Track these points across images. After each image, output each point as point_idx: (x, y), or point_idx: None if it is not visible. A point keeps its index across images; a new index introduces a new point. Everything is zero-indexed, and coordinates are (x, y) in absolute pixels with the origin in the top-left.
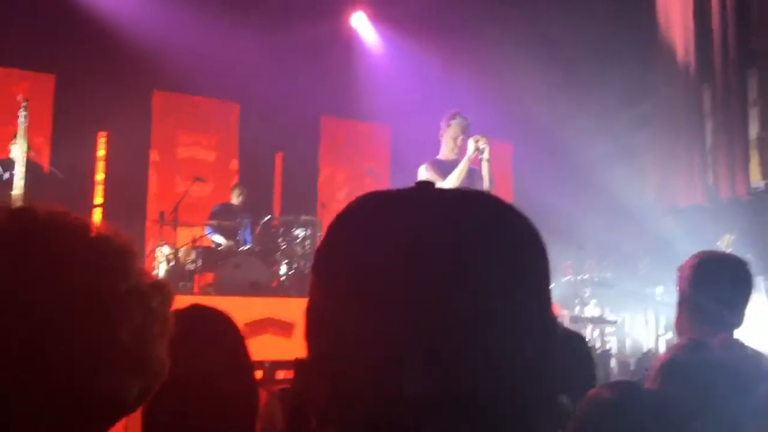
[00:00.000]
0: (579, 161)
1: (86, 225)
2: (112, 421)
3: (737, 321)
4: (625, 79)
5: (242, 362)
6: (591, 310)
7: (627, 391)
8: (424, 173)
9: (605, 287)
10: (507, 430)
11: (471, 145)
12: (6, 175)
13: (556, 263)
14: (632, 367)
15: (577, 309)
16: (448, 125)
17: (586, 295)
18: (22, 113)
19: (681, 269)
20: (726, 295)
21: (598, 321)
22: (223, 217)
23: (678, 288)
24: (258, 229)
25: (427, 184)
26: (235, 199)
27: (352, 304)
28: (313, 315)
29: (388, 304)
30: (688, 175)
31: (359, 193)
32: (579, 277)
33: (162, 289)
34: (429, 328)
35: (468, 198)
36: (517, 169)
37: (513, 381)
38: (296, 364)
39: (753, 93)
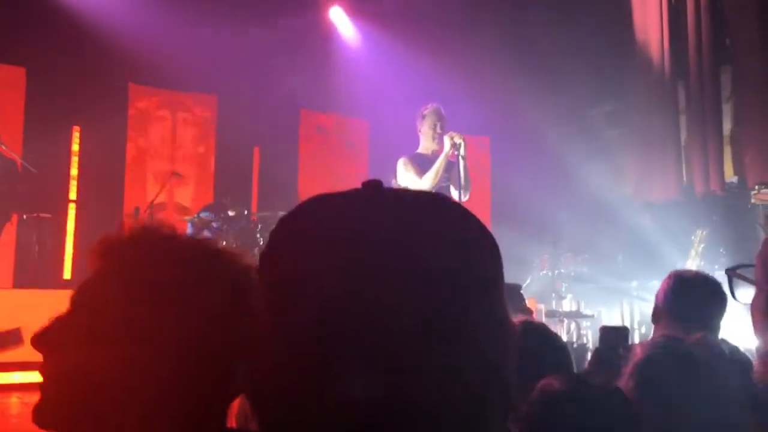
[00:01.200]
0: (556, 156)
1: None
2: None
3: (711, 329)
4: (599, 76)
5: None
6: (567, 305)
7: (575, 382)
8: (402, 167)
9: (581, 282)
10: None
11: (447, 141)
12: None
13: (532, 258)
14: None
15: (553, 303)
16: (423, 116)
17: (563, 289)
18: None
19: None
20: (698, 310)
21: (575, 315)
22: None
23: (654, 305)
24: (235, 224)
25: (375, 184)
26: (231, 211)
27: (290, 309)
28: (259, 319)
29: (326, 307)
30: (663, 171)
31: (338, 187)
32: (555, 272)
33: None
34: (370, 331)
35: (415, 198)
36: (495, 164)
37: (461, 382)
38: (247, 372)
39: (727, 89)
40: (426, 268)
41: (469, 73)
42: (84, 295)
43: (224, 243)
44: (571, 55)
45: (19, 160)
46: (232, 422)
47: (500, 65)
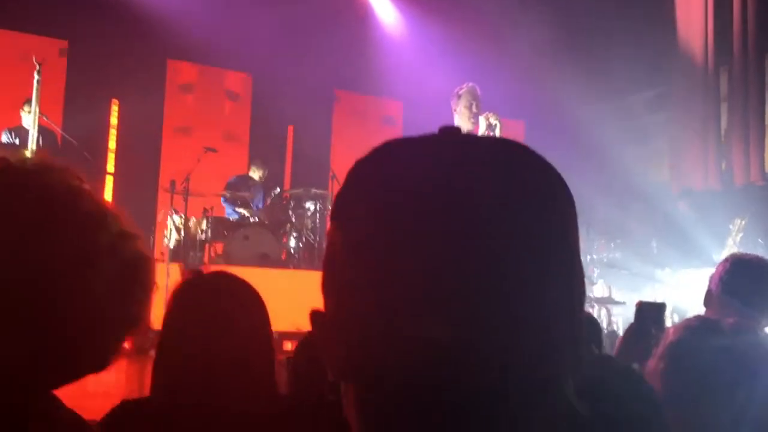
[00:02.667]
0: (592, 141)
1: (71, 179)
2: (81, 372)
3: (763, 318)
4: (640, 60)
5: (265, 329)
6: (599, 290)
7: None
8: None
9: (614, 267)
10: (524, 375)
11: (482, 121)
12: (16, 141)
13: None
14: None
15: None
16: (459, 96)
17: (595, 275)
18: (36, 77)
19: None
20: (755, 293)
21: (606, 301)
22: (239, 189)
23: (707, 289)
24: (268, 202)
25: (453, 130)
26: (254, 173)
27: (368, 250)
28: (329, 264)
29: (404, 248)
30: (702, 159)
31: None
32: (588, 257)
33: (140, 247)
34: (449, 273)
35: (494, 145)
36: (530, 145)
37: (532, 332)
38: (312, 317)
39: None
40: (508, 222)
41: (506, 55)
42: None
43: (258, 219)
44: (612, 39)
45: (59, 132)
46: (282, 388)
47: (539, 47)
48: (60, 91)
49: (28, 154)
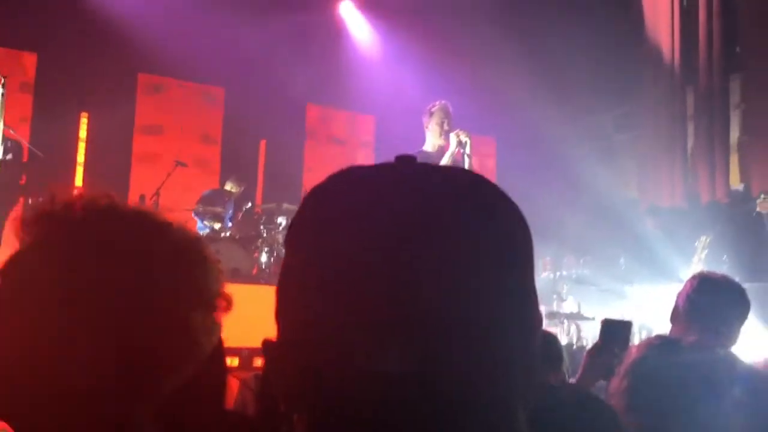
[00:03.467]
0: (562, 158)
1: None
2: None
3: (730, 336)
4: (608, 79)
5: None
6: (568, 306)
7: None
8: None
9: (583, 284)
10: (478, 408)
11: (453, 139)
12: None
13: (535, 259)
14: None
15: (554, 305)
16: (431, 113)
17: (564, 291)
18: (0, 90)
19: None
20: (720, 312)
21: (575, 317)
22: (213, 203)
23: (674, 305)
24: (240, 216)
25: (408, 158)
26: (231, 188)
27: (320, 279)
28: (282, 292)
29: (356, 278)
30: (669, 177)
31: None
32: (557, 273)
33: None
34: (400, 301)
35: (448, 174)
36: (501, 164)
37: (483, 363)
38: (264, 346)
39: (735, 97)
40: (460, 246)
41: (476, 73)
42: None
43: (229, 234)
44: (580, 58)
45: (26, 144)
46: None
47: (508, 65)
48: (28, 103)
49: None
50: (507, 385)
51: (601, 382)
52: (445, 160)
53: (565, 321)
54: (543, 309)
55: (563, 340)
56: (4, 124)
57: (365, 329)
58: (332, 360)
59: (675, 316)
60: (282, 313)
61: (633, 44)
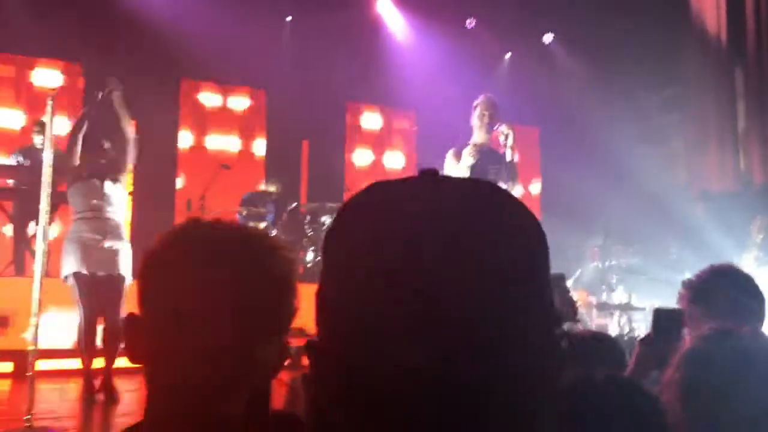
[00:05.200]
0: (607, 145)
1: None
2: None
3: (759, 320)
4: (655, 61)
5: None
6: (618, 297)
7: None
8: (448, 159)
9: (633, 273)
10: (504, 412)
11: (501, 136)
12: (26, 162)
13: (582, 249)
14: None
15: (604, 295)
16: (475, 107)
17: (614, 281)
18: (49, 102)
19: (689, 283)
20: (738, 304)
21: (626, 308)
22: (255, 204)
23: (685, 300)
24: (284, 217)
25: (431, 173)
26: (270, 188)
27: (356, 285)
28: (320, 297)
29: (386, 286)
30: (720, 160)
31: (384, 178)
32: (606, 263)
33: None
34: (429, 309)
35: (468, 188)
36: (545, 154)
37: (507, 360)
38: (307, 347)
39: None
40: (479, 256)
41: (518, 62)
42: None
43: (274, 233)
44: (624, 39)
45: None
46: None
47: (551, 53)
48: (77, 113)
49: (46, 176)
50: (527, 386)
51: (654, 374)
52: (464, 157)
53: (616, 311)
54: (593, 299)
55: (614, 331)
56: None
57: (395, 332)
58: (365, 358)
59: (698, 307)
60: (321, 316)
61: (680, 23)
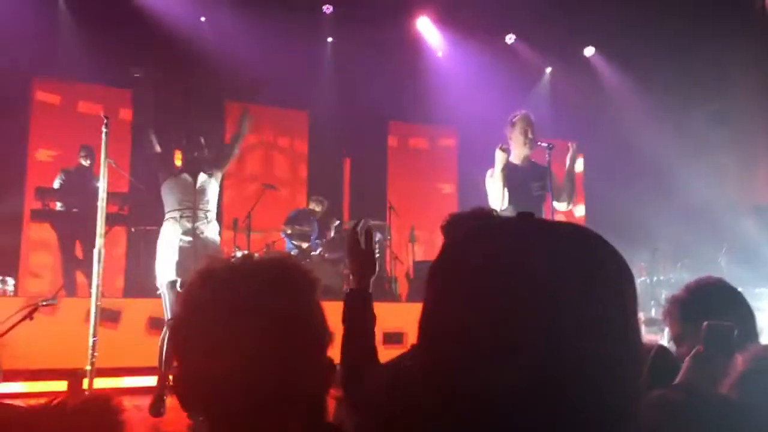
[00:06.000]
0: (653, 160)
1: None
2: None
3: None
4: (702, 75)
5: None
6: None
7: (698, 394)
8: (488, 179)
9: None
10: (587, 424)
11: (499, 154)
12: (58, 183)
13: (629, 265)
14: None
15: (653, 311)
16: (513, 124)
17: (662, 296)
18: (104, 129)
19: (674, 301)
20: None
21: None
22: (299, 223)
23: (675, 319)
24: (328, 235)
25: (527, 216)
26: (315, 207)
27: (459, 315)
28: (430, 317)
29: (491, 314)
30: None
31: (427, 196)
32: (654, 278)
33: None
34: (529, 336)
35: (568, 232)
36: (588, 170)
37: (595, 381)
38: (403, 370)
39: None
40: (568, 295)
41: (559, 77)
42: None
43: (318, 252)
44: (668, 52)
45: (128, 178)
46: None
47: (592, 67)
48: (127, 138)
49: (101, 200)
50: (618, 401)
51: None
52: (496, 174)
53: (666, 328)
54: (641, 316)
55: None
56: (109, 159)
57: (494, 353)
58: (467, 378)
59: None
60: (426, 336)
61: (725, 35)
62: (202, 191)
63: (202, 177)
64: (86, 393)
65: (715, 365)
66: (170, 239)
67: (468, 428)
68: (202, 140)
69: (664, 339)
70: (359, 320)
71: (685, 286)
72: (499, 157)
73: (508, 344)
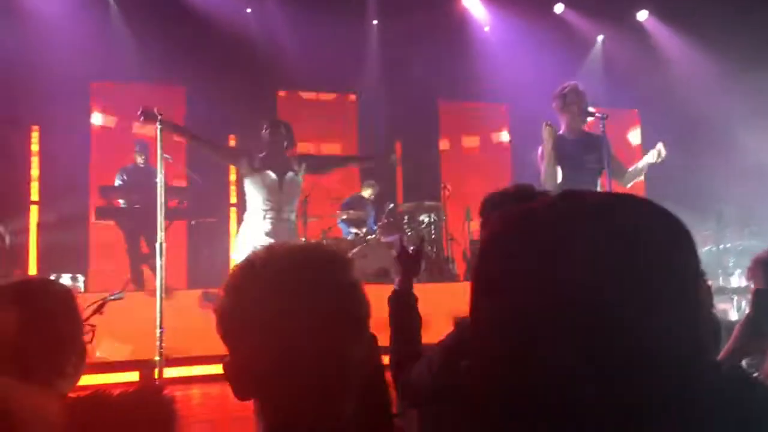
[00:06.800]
0: (714, 124)
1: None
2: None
3: None
4: (760, 33)
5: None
6: (736, 280)
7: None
8: (539, 158)
9: (750, 255)
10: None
11: (546, 130)
12: (119, 181)
13: (694, 234)
14: None
15: (720, 279)
16: (563, 96)
17: (730, 264)
18: (158, 126)
19: (759, 261)
20: None
21: (744, 291)
22: (353, 208)
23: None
24: (383, 218)
25: (568, 196)
26: (366, 192)
27: (512, 307)
28: (482, 317)
29: (555, 299)
30: None
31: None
32: (721, 246)
33: None
34: (591, 336)
35: (610, 205)
36: (646, 137)
37: (669, 377)
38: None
39: None
40: (634, 273)
41: (612, 45)
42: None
43: (375, 236)
44: (729, 14)
45: (185, 171)
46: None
47: (646, 32)
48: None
49: (159, 195)
50: (684, 369)
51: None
52: (548, 152)
53: (734, 296)
54: (709, 284)
55: (734, 317)
56: (165, 154)
57: (546, 347)
58: (527, 359)
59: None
60: (495, 338)
61: None
62: (289, 192)
63: (289, 176)
64: (157, 383)
65: (764, 331)
66: (251, 239)
67: (539, 411)
68: (284, 130)
69: (733, 308)
70: (406, 320)
71: None
72: (548, 133)
73: (561, 332)
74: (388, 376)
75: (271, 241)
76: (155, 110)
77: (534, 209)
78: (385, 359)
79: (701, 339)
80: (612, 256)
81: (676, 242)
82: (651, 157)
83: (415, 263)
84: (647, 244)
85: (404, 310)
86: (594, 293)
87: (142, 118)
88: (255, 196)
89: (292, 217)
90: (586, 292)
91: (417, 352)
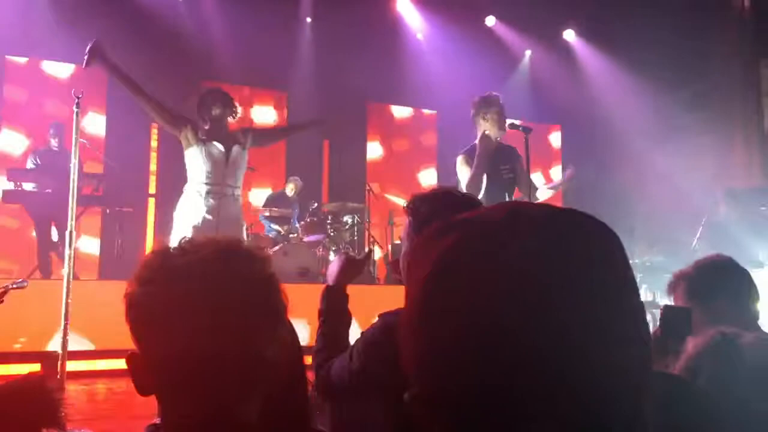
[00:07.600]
0: (631, 143)
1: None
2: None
3: (754, 318)
4: (678, 57)
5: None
6: (642, 295)
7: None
8: (459, 166)
9: (657, 271)
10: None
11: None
12: (31, 164)
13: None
14: None
15: None
16: (488, 104)
17: (637, 280)
18: (75, 109)
19: (681, 276)
20: (737, 297)
21: (650, 306)
22: (277, 205)
23: (681, 294)
24: (306, 217)
25: (507, 208)
26: (289, 191)
27: (463, 329)
28: (434, 347)
29: (499, 314)
30: (746, 157)
31: (406, 179)
32: (630, 262)
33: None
34: (539, 355)
35: (551, 218)
36: (567, 152)
37: (618, 392)
38: (411, 399)
39: None
40: (566, 286)
41: (538, 60)
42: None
43: (297, 235)
44: (647, 35)
45: (102, 158)
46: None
47: (572, 50)
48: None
49: (72, 180)
50: (636, 404)
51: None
52: (477, 159)
53: (653, 311)
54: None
55: None
56: (83, 140)
57: (500, 368)
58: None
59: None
60: (430, 370)
61: (703, 19)
62: (234, 165)
63: (235, 149)
64: (58, 376)
65: (670, 347)
66: (190, 215)
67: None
68: (238, 108)
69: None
70: (338, 315)
71: (693, 263)
72: (488, 142)
73: (522, 355)
74: (311, 375)
75: (211, 218)
76: (72, 92)
77: (493, 228)
78: (308, 359)
79: (649, 355)
80: (571, 274)
81: (625, 258)
82: (560, 183)
83: (359, 264)
84: (604, 262)
85: (337, 305)
86: (554, 316)
87: (87, 55)
88: (198, 168)
89: (237, 192)
90: (548, 317)
91: (342, 348)
